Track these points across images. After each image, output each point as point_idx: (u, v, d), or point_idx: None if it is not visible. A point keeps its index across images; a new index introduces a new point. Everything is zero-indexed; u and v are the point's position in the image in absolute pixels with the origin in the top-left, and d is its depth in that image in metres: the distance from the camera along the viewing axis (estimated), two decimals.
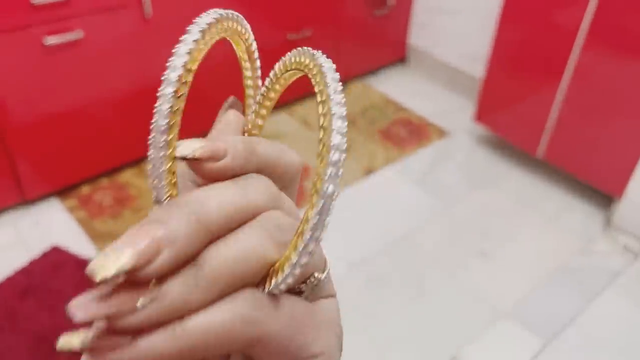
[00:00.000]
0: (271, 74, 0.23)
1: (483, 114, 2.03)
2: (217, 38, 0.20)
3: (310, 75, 0.21)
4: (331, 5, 2.15)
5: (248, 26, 0.21)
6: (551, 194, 1.92)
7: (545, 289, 1.59)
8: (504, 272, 1.64)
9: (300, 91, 2.29)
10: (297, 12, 2.06)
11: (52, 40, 1.48)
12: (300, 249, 0.17)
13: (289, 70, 0.22)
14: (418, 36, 2.54)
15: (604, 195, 1.85)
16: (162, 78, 0.18)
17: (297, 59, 0.21)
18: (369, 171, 1.98)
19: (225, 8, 0.24)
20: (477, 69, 2.21)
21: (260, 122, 0.24)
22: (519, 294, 1.57)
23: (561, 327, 1.48)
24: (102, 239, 1.61)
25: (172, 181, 0.19)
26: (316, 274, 0.20)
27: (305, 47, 0.21)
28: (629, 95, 1.60)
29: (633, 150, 1.64)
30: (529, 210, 1.86)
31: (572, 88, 1.71)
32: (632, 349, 1.45)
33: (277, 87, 0.23)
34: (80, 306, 0.15)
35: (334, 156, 0.18)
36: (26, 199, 1.68)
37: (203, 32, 0.19)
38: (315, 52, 0.21)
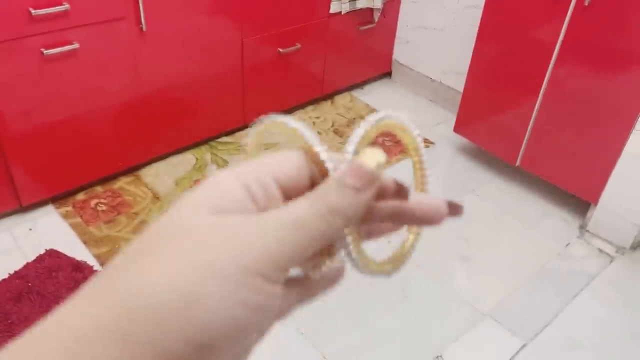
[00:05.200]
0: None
1: (463, 125, 2.11)
2: (383, 130, 0.27)
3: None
4: (319, 20, 2.23)
5: (411, 125, 0.28)
6: (529, 200, 2.00)
7: (524, 291, 1.66)
8: (484, 275, 1.70)
9: (290, 103, 2.36)
10: (288, 27, 2.14)
11: (50, 51, 1.53)
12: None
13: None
14: (402, 51, 2.63)
15: (580, 201, 1.94)
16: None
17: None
18: None
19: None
20: (459, 82, 2.30)
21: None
22: (499, 296, 1.63)
23: (540, 328, 1.55)
24: (96, 244, 1.65)
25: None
26: None
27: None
28: (602, 106, 1.69)
29: (607, 158, 1.73)
30: (508, 216, 1.94)
31: (548, 99, 1.80)
32: (608, 348, 1.51)
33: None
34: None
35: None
36: (22, 206, 1.71)
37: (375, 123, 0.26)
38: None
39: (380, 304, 1.58)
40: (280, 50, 2.14)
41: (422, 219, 0.27)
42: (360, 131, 0.26)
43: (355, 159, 0.24)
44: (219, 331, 0.20)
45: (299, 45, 2.20)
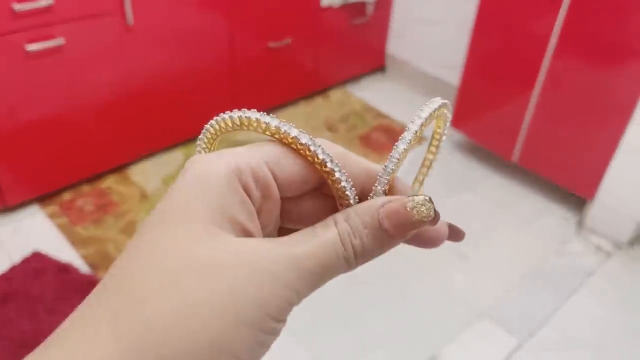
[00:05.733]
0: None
1: (459, 121, 2.08)
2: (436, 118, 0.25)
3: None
4: (311, 13, 2.19)
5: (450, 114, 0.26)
6: (526, 197, 1.98)
7: (521, 289, 1.63)
8: (481, 273, 1.68)
9: (282, 98, 2.32)
10: (278, 21, 2.10)
11: (33, 47, 1.49)
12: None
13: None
14: (396, 45, 2.59)
15: (577, 197, 1.91)
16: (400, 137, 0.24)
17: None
18: None
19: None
20: (454, 77, 2.27)
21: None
22: (496, 295, 1.61)
23: (537, 326, 1.52)
24: (83, 245, 1.62)
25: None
26: None
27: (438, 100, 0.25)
28: (599, 100, 1.66)
29: (604, 154, 1.70)
30: (505, 213, 1.91)
31: (544, 94, 1.77)
32: (605, 346, 1.49)
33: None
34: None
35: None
36: (7, 206, 1.67)
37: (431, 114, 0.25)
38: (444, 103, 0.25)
39: (375, 304, 1.55)
40: (271, 44, 2.10)
41: (423, 240, 0.26)
42: (412, 130, 0.24)
43: (398, 189, 0.23)
44: None
45: (289, 40, 2.16)
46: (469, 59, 1.94)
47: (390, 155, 0.23)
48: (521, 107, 1.84)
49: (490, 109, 1.97)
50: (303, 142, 0.22)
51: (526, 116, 1.84)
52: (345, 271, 0.22)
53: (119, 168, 1.90)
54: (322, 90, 2.47)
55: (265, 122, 0.22)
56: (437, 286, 1.62)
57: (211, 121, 0.24)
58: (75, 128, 1.71)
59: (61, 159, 1.72)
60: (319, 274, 0.21)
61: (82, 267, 1.54)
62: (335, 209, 0.23)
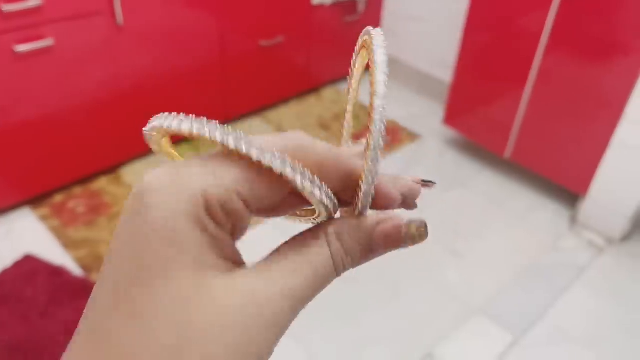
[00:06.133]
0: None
1: (452, 117, 2.08)
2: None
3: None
4: (302, 12, 2.19)
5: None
6: (519, 193, 1.98)
7: (515, 285, 1.64)
8: (475, 270, 1.68)
9: (274, 97, 2.31)
10: (269, 19, 2.09)
11: (22, 47, 1.47)
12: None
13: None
14: (388, 42, 2.58)
15: (569, 193, 1.92)
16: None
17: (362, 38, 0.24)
18: None
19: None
20: (446, 74, 2.27)
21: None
22: (491, 291, 1.61)
23: (531, 322, 1.53)
24: (76, 247, 1.60)
25: None
26: None
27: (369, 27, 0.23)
28: (591, 97, 1.67)
29: (596, 149, 1.70)
30: (498, 209, 1.91)
31: (536, 90, 1.78)
32: (599, 341, 1.50)
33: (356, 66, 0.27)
34: None
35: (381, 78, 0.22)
36: None
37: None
38: (373, 31, 0.23)
39: (369, 302, 1.55)
40: (262, 43, 2.09)
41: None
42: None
43: (383, 194, 0.22)
44: None
45: (281, 38, 2.15)
46: (460, 56, 1.94)
47: (368, 161, 0.21)
48: (513, 103, 1.85)
49: (482, 106, 1.97)
50: (266, 160, 0.19)
51: (518, 112, 1.85)
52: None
53: (111, 169, 1.88)
54: (314, 88, 2.47)
55: (213, 138, 0.19)
56: (430, 283, 1.62)
57: (157, 122, 0.20)
58: (66, 129, 1.69)
59: (52, 160, 1.70)
60: (312, 298, 0.21)
61: (75, 269, 1.53)
62: None
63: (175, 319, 0.18)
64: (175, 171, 0.19)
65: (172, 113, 0.20)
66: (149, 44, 1.76)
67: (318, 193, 0.20)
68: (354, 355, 1.42)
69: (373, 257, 0.23)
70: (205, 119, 0.19)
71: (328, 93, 2.48)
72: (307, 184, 0.20)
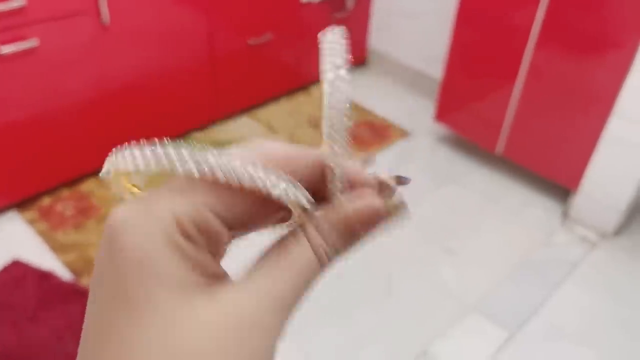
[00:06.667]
0: None
1: (443, 114, 2.07)
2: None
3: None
4: (291, 9, 2.17)
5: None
6: (512, 189, 1.98)
7: (509, 282, 1.64)
8: (469, 267, 1.67)
9: (263, 96, 2.30)
10: (258, 17, 2.07)
11: (7, 49, 1.44)
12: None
13: None
14: (378, 39, 2.58)
15: (561, 188, 1.92)
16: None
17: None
18: None
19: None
20: (437, 70, 2.26)
21: None
22: (485, 288, 1.61)
23: (526, 318, 1.53)
24: (64, 250, 1.58)
25: None
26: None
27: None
28: (581, 91, 1.67)
29: (587, 144, 1.70)
30: (491, 206, 1.91)
31: (527, 86, 1.77)
32: (593, 335, 1.50)
33: None
34: None
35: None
36: None
37: None
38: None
39: (364, 300, 1.54)
40: (250, 41, 2.07)
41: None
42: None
43: (357, 179, 0.22)
44: None
45: (270, 36, 2.13)
46: (450, 52, 1.93)
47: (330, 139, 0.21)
48: (504, 98, 1.84)
49: (473, 102, 1.97)
50: (221, 176, 0.19)
51: (509, 108, 1.84)
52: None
53: (99, 170, 1.85)
54: (303, 86, 2.45)
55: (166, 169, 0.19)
56: (425, 281, 1.61)
57: (109, 165, 0.20)
58: (53, 130, 1.67)
59: (39, 162, 1.68)
60: (302, 297, 0.21)
61: (64, 273, 1.51)
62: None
63: (164, 344, 0.18)
64: (143, 200, 0.19)
65: (125, 146, 0.20)
66: (136, 43, 1.74)
67: (284, 187, 0.20)
68: (349, 354, 1.41)
69: (356, 242, 0.22)
70: (156, 144, 0.19)
71: (317, 90, 2.47)
72: (271, 181, 0.19)
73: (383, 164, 2.06)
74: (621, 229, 1.82)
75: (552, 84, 1.72)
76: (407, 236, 1.75)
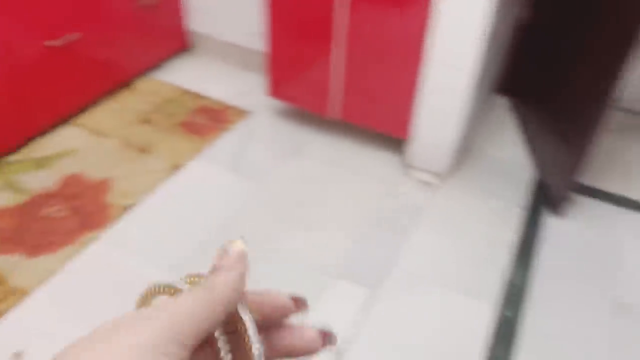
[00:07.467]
0: None
1: (275, 88, 2.04)
2: None
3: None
4: (92, 3, 1.98)
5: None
6: (353, 150, 2.02)
7: (365, 240, 1.67)
8: (323, 234, 1.68)
9: (83, 100, 2.10)
10: (55, 15, 1.86)
11: None
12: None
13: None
14: (197, 21, 2.47)
15: (397, 140, 1.99)
16: None
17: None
18: (176, 167, 1.89)
19: None
20: (261, 43, 2.22)
21: None
22: (342, 251, 1.63)
23: (385, 272, 1.57)
24: None
25: None
26: None
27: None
28: (394, 44, 1.71)
29: (409, 94, 1.77)
30: (336, 169, 1.93)
31: (346, 47, 1.79)
32: (448, 275, 1.58)
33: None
34: None
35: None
36: None
37: None
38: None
39: None
40: (48, 43, 1.86)
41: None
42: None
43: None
44: None
45: (76, 35, 1.93)
46: (268, 24, 1.90)
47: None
48: (325, 62, 1.85)
49: (298, 70, 1.95)
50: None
51: (332, 70, 1.86)
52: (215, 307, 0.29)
53: None
54: (125, 82, 2.28)
55: None
56: (286, 256, 1.59)
57: None
58: None
59: None
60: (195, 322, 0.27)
61: None
62: None
63: None
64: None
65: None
66: None
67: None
68: None
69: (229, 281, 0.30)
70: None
71: (142, 84, 2.31)
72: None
73: (226, 149, 1.99)
74: (454, 169, 1.94)
75: (367, 41, 1.75)
76: (262, 216, 1.72)
